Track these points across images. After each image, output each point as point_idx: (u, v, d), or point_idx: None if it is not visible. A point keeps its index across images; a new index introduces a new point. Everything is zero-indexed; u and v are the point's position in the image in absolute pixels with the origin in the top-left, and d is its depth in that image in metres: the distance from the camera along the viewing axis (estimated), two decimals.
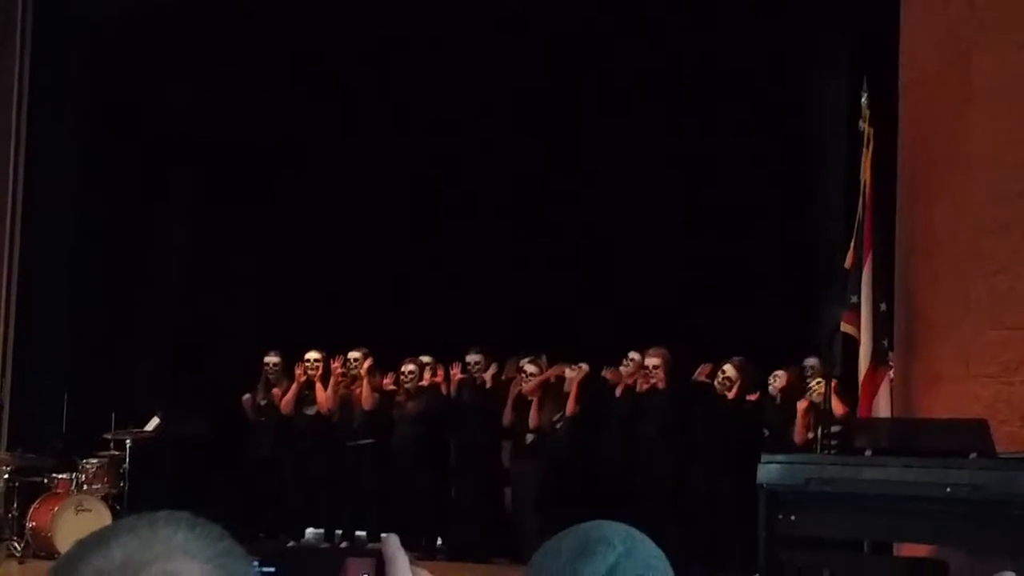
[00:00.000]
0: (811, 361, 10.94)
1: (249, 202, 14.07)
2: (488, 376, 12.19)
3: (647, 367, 11.34)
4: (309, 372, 12.54)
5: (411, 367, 12.20)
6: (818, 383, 10.39)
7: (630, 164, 13.15)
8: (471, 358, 12.18)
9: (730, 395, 11.19)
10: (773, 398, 11.07)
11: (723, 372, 11.22)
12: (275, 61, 13.73)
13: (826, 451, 8.94)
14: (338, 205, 13.98)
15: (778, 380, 11.02)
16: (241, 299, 14.42)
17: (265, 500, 12.54)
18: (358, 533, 12.03)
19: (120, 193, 13.82)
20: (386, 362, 12.48)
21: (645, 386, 11.39)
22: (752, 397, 11.19)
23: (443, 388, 12.23)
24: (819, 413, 10.17)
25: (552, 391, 11.80)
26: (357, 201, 13.90)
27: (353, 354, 12.45)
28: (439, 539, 12.21)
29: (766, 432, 10.85)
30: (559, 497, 11.35)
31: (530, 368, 11.86)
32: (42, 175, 12.99)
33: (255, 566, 1.35)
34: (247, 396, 12.66)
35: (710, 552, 10.78)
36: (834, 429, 9.82)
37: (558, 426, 11.69)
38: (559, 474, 11.58)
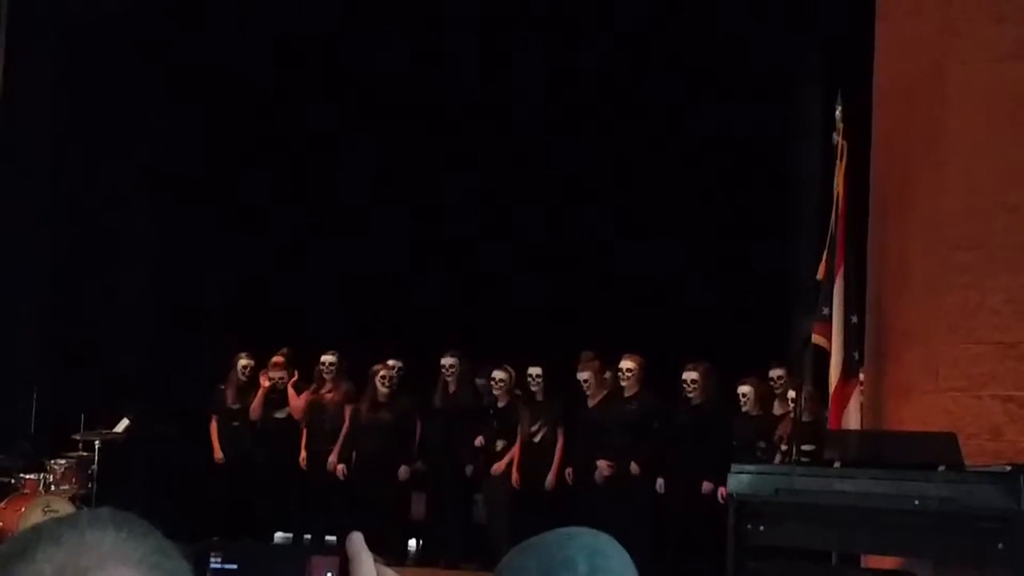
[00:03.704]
0: (777, 372, 10.95)
1: (221, 202, 14.03)
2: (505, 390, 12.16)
3: (621, 370, 11.36)
4: (277, 378, 12.49)
5: (383, 372, 12.16)
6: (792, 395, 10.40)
7: (603, 171, 13.17)
8: (446, 361, 12.15)
9: (692, 399, 11.20)
10: (743, 410, 11.07)
11: (687, 378, 11.24)
12: (251, 57, 13.69)
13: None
14: (311, 204, 13.97)
15: (747, 392, 11.02)
16: (213, 299, 14.38)
17: (234, 503, 12.50)
18: (328, 537, 12.00)
19: (91, 192, 13.76)
20: (358, 364, 12.46)
21: (602, 392, 11.42)
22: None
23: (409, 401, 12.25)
24: (795, 426, 10.20)
25: (530, 401, 11.80)
26: (332, 199, 13.88)
27: (327, 358, 12.41)
28: (409, 544, 12.19)
29: (734, 443, 10.85)
30: (531, 503, 11.35)
31: (499, 375, 11.88)
32: (13, 171, 12.92)
33: (217, 562, 1.33)
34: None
35: (678, 560, 10.79)
36: (805, 448, 9.86)
37: (536, 439, 11.69)
38: (532, 481, 11.58)
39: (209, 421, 12.68)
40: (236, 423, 12.60)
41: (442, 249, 13.69)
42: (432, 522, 12.12)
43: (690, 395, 11.25)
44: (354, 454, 12.16)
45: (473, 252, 13.57)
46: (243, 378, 12.65)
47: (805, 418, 10.12)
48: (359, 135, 13.81)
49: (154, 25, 13.41)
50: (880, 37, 8.31)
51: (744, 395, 11.01)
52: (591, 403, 11.57)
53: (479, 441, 11.88)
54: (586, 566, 1.63)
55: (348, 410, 12.26)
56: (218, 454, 12.58)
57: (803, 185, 12.10)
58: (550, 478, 11.55)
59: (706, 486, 10.81)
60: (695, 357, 11.39)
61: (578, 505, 11.08)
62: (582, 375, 11.55)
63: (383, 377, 12.13)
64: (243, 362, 12.65)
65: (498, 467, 11.66)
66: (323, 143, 13.91)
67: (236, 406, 12.63)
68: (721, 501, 10.14)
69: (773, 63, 12.56)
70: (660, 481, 11.11)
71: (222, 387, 12.69)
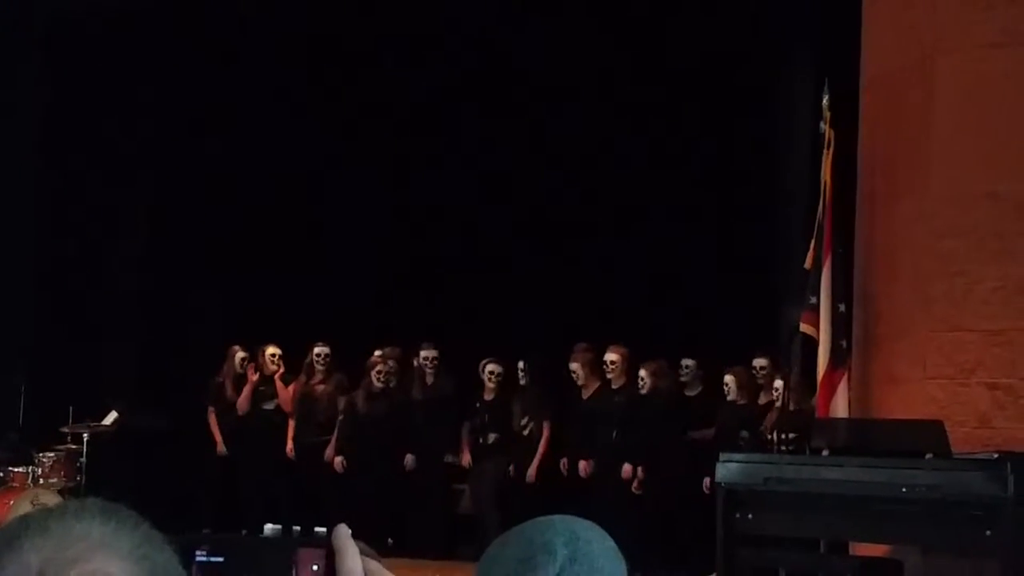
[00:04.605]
0: (760, 361, 10.95)
1: (211, 199, 14.00)
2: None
3: (606, 363, 11.37)
4: (271, 367, 12.50)
5: (380, 365, 12.14)
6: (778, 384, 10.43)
7: (591, 159, 13.16)
8: (425, 353, 12.15)
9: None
10: (728, 399, 11.08)
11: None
12: (243, 56, 13.67)
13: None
14: (301, 199, 13.94)
15: (729, 381, 11.04)
16: (202, 292, 14.35)
17: (224, 495, 12.51)
18: (317, 529, 11.97)
19: (82, 185, 13.73)
20: (351, 355, 12.45)
21: (597, 383, 11.44)
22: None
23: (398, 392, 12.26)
24: (780, 414, 10.24)
25: (521, 394, 11.81)
26: (321, 193, 13.86)
27: (321, 349, 12.39)
28: (398, 536, 12.19)
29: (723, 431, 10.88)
30: (519, 495, 11.37)
31: (496, 368, 11.88)
32: (2, 168, 12.90)
33: (203, 555, 1.33)
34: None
35: (668, 550, 10.81)
36: (789, 436, 9.89)
37: (525, 432, 11.71)
38: (522, 473, 11.60)
39: (206, 414, 12.64)
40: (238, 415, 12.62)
41: (428, 243, 13.67)
42: (420, 513, 12.12)
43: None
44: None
45: (460, 245, 13.54)
46: (240, 371, 12.64)
47: (790, 406, 10.17)
48: (349, 132, 13.78)
49: (146, 23, 13.37)
50: (867, 26, 8.32)
51: (726, 384, 11.04)
52: (585, 394, 11.58)
53: (466, 461, 11.90)
54: (566, 550, 1.63)
55: (342, 401, 12.24)
56: (221, 447, 12.56)
57: (790, 174, 12.10)
58: (531, 472, 11.56)
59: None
60: (683, 347, 11.42)
61: (570, 496, 11.09)
62: (572, 365, 11.58)
63: (379, 371, 12.12)
64: (240, 355, 12.62)
65: (531, 473, 11.65)
66: (313, 140, 13.88)
67: (236, 399, 12.62)
68: (706, 491, 10.21)
69: (760, 52, 12.55)
70: (633, 468, 11.13)
71: (219, 380, 12.66)
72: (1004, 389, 7.18)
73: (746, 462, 7.29)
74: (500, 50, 13.26)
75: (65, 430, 11.51)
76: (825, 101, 8.34)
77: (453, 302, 13.20)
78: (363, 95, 13.76)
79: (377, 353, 12.22)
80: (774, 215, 12.53)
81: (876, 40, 8.21)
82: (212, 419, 12.62)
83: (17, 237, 13.23)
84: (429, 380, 12.18)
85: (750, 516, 6.99)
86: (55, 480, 11.13)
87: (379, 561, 1.48)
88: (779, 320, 11.32)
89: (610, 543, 1.69)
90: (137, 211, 14.34)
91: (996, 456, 6.31)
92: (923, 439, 6.66)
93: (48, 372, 12.81)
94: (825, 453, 7.27)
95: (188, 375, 13.14)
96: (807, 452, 9.38)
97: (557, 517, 1.70)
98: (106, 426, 11.76)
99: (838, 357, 8.08)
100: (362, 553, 1.43)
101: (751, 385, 10.96)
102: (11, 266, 13.19)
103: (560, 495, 11.15)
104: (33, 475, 11.06)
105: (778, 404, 10.32)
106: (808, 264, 8.39)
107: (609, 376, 11.40)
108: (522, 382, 11.85)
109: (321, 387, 12.39)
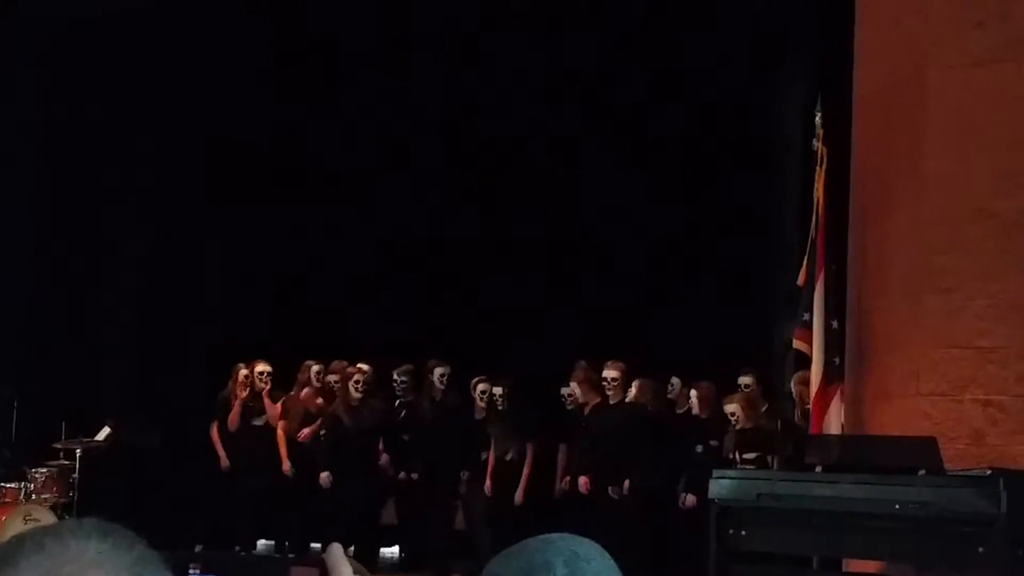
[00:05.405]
0: (745, 379, 10.95)
1: (206, 211, 14.01)
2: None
3: (606, 379, 11.35)
4: (260, 384, 12.50)
5: (356, 376, 12.14)
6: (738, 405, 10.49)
7: (585, 175, 13.17)
8: (440, 370, 12.11)
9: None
10: (692, 413, 11.11)
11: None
12: (232, 63, 13.68)
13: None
14: (296, 212, 13.94)
15: (694, 394, 11.06)
16: (198, 308, 14.35)
17: (217, 511, 12.49)
18: (312, 545, 11.94)
19: (77, 198, 13.72)
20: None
21: (597, 399, 11.42)
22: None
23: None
24: (742, 433, 10.29)
25: (506, 420, 11.77)
26: (314, 207, 13.86)
27: (316, 366, 12.40)
28: (385, 552, 12.17)
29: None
30: (511, 513, 11.35)
31: (484, 387, 11.86)
32: (3, 169, 12.91)
33: (196, 572, 1.33)
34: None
35: (663, 567, 10.79)
36: (747, 456, 9.95)
37: (507, 458, 11.67)
38: (510, 492, 11.58)
39: (208, 428, 12.60)
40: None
41: (410, 261, 13.68)
42: (419, 528, 12.09)
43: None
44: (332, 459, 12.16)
45: (447, 266, 13.55)
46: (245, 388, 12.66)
47: (747, 425, 10.22)
48: (343, 143, 13.80)
49: (147, 24, 13.37)
50: (860, 43, 8.34)
51: (690, 398, 11.11)
52: (586, 411, 11.56)
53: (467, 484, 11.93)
54: (565, 569, 1.63)
55: (329, 417, 12.23)
56: (224, 461, 12.53)
57: (783, 191, 12.11)
58: (518, 495, 11.53)
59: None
60: (673, 366, 11.44)
61: (559, 512, 11.07)
62: (571, 384, 11.60)
63: (356, 381, 12.11)
64: (244, 371, 12.61)
65: (519, 497, 11.63)
66: (313, 142, 13.89)
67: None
68: (682, 506, 10.29)
69: (754, 69, 12.58)
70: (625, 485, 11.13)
71: (225, 395, 12.63)
72: (997, 406, 7.19)
73: (739, 478, 7.29)
74: (497, 52, 13.26)
75: (58, 446, 11.50)
76: (818, 119, 8.36)
77: (440, 316, 13.19)
78: (362, 97, 13.76)
79: (360, 366, 12.24)
80: (766, 232, 12.54)
81: (868, 57, 8.23)
82: (215, 434, 12.58)
83: (10, 251, 13.20)
84: (438, 396, 12.14)
85: (743, 533, 6.98)
86: (47, 496, 11.10)
87: None
88: (767, 338, 11.34)
89: (609, 561, 1.68)
90: (130, 226, 14.30)
91: (989, 473, 6.31)
92: (916, 455, 6.66)
93: (40, 388, 12.79)
94: (818, 469, 7.27)
95: (181, 390, 13.12)
96: (769, 468, 9.48)
97: (556, 535, 1.69)
98: (99, 442, 11.75)
99: (831, 373, 8.09)
100: (355, 572, 1.43)
101: (713, 399, 10.97)
102: (3, 280, 13.16)
103: (551, 512, 11.13)
104: (25, 491, 11.03)
105: (737, 427, 10.39)
106: (801, 281, 8.40)
107: (609, 392, 11.38)
108: (500, 407, 11.80)
109: (317, 403, 12.38)
